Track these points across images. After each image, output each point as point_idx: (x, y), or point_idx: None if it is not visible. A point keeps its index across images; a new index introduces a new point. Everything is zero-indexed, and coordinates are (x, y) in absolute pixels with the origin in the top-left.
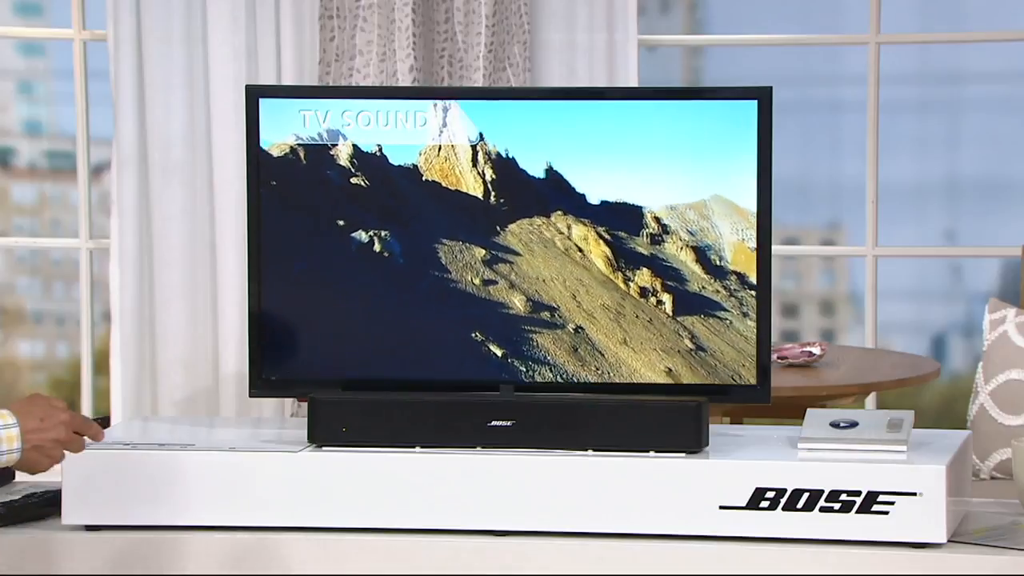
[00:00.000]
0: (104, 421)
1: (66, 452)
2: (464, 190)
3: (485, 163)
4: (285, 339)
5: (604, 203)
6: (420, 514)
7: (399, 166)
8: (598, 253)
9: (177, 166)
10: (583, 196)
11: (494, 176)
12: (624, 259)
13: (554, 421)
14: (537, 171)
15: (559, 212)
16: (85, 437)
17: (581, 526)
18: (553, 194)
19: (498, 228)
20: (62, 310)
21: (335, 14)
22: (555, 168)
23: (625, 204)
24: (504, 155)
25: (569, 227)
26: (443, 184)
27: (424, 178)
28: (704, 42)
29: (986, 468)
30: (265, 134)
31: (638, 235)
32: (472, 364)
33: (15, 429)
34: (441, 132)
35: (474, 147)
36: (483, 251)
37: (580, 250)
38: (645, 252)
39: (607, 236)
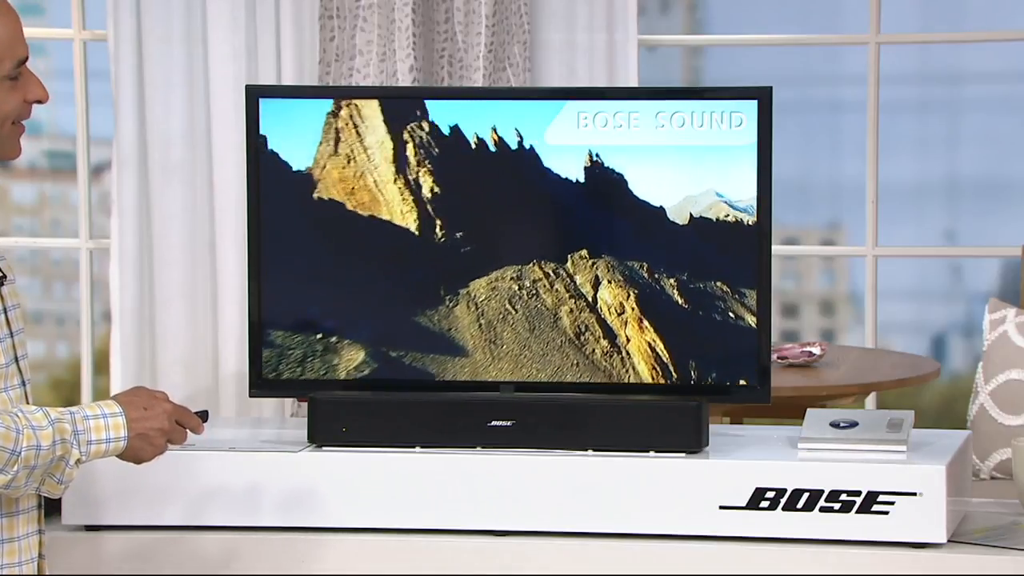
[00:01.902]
0: (204, 415)
1: (169, 443)
2: (384, 217)
3: (420, 165)
4: (285, 339)
5: (703, 220)
6: (420, 514)
7: (298, 173)
8: (640, 345)
9: (177, 166)
10: (660, 211)
11: (437, 188)
12: (697, 354)
13: (554, 421)
14: (569, 168)
15: (582, 253)
16: (187, 429)
17: (581, 526)
18: (592, 211)
19: (442, 292)
20: (62, 310)
21: (335, 14)
22: (605, 163)
23: (724, 223)
24: (488, 142)
25: (596, 282)
26: (349, 207)
27: (316, 195)
28: (704, 42)
29: (986, 468)
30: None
31: (748, 292)
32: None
33: (120, 418)
34: (339, 111)
35: (398, 132)
36: (362, 354)
37: (610, 335)
38: (752, 324)
39: (682, 301)
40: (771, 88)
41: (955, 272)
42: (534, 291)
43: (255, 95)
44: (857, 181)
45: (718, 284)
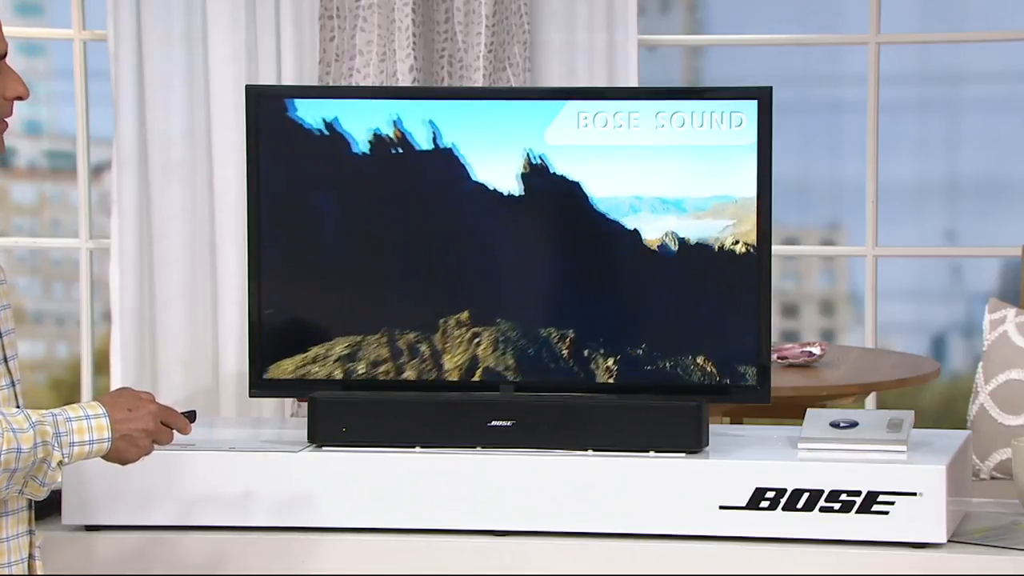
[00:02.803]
0: (191, 415)
1: (155, 444)
2: None
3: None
4: (285, 339)
5: (701, 249)
6: (420, 514)
7: None
8: None
9: (177, 166)
10: (632, 236)
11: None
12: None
13: (554, 421)
14: (502, 175)
15: (461, 316)
16: (173, 430)
17: (581, 526)
18: (514, 241)
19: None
20: (62, 310)
21: (335, 14)
22: (554, 168)
23: (729, 255)
24: (391, 139)
25: (472, 367)
26: None
27: None
28: (704, 42)
29: (986, 468)
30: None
31: (748, 371)
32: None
33: (104, 419)
34: None
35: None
36: None
37: None
38: None
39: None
40: (771, 88)
41: (955, 272)
42: (370, 379)
43: (255, 95)
44: (857, 181)
45: (698, 360)
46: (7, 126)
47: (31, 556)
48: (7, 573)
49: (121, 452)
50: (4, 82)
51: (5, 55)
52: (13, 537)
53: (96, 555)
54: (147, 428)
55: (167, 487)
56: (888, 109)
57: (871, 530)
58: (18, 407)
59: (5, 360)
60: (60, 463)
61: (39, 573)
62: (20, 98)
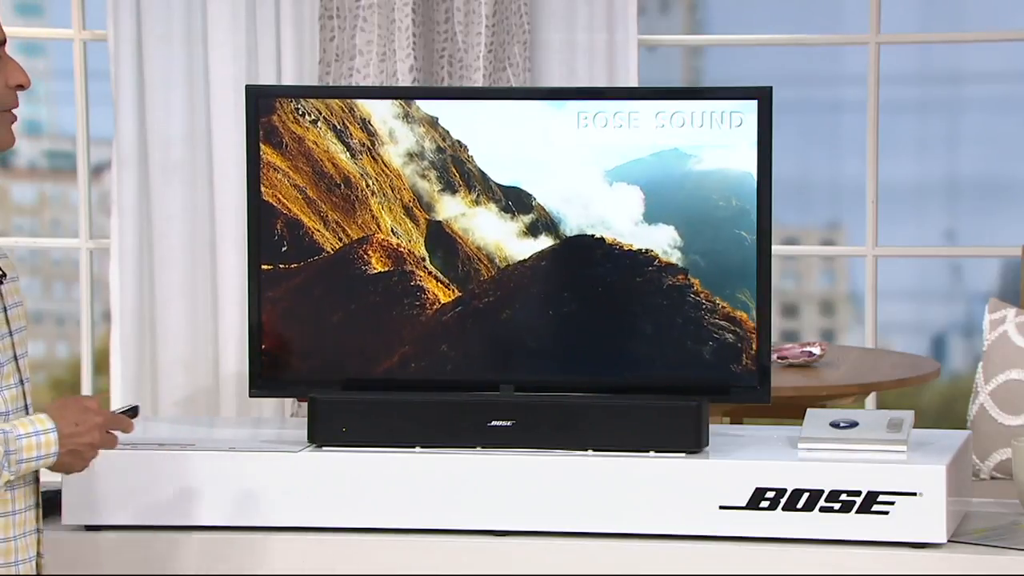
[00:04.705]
0: (133, 411)
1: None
2: None
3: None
4: (285, 339)
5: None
6: (420, 514)
7: None
8: None
9: (177, 166)
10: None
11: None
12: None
13: (554, 421)
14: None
15: None
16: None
17: (581, 526)
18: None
19: None
20: (62, 310)
21: (335, 14)
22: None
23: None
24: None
25: None
26: None
27: None
28: (704, 42)
29: (986, 468)
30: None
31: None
32: (472, 364)
33: (53, 434)
34: None
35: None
36: None
37: None
38: None
39: None
40: (771, 88)
41: (955, 272)
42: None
43: (255, 95)
44: (857, 181)
45: (699, 361)
46: (15, 118)
47: (38, 555)
48: (15, 572)
49: (67, 465)
50: (5, 71)
51: (4, 42)
52: (20, 536)
53: (96, 555)
54: (93, 442)
55: (167, 487)
56: (888, 109)
57: (871, 530)
58: (25, 406)
59: (15, 358)
60: (8, 481)
61: (45, 572)
62: (22, 87)
